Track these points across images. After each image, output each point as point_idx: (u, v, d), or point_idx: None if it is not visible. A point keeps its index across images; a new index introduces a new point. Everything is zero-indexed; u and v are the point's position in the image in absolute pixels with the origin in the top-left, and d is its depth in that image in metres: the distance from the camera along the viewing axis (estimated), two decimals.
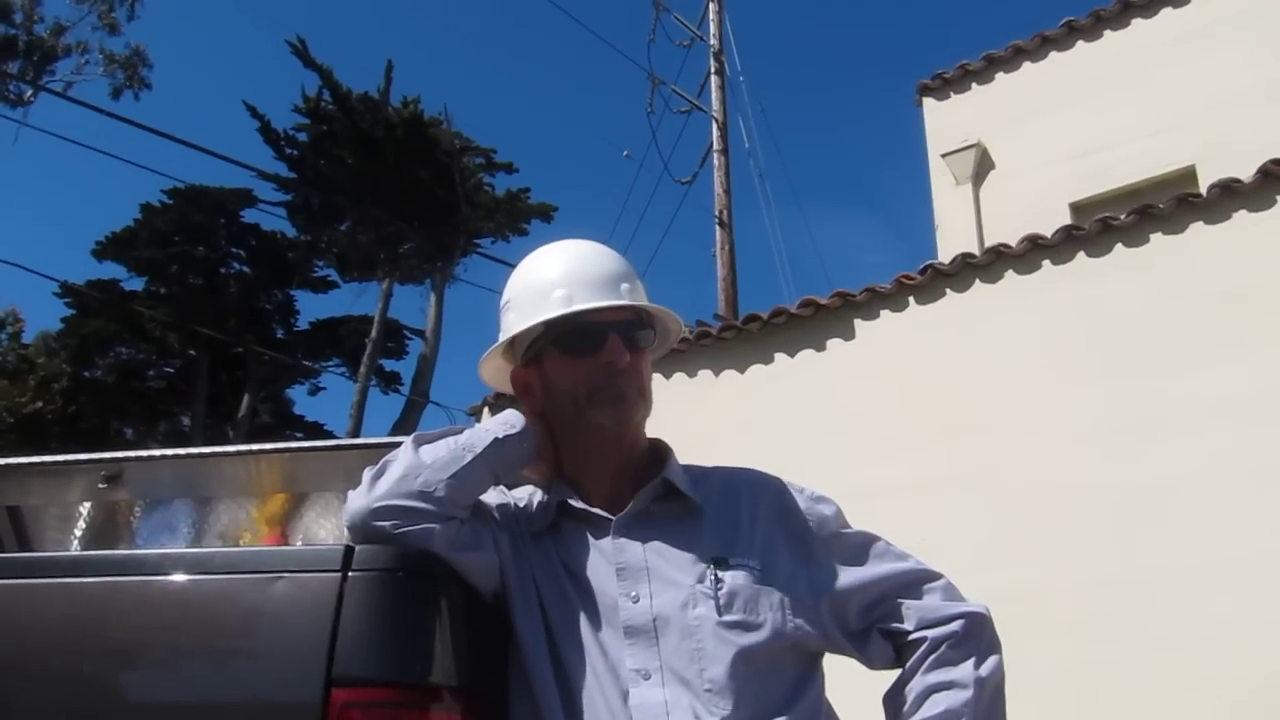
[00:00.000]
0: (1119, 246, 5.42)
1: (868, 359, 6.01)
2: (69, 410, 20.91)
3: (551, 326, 1.53)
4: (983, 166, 8.44)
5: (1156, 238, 5.33)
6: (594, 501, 1.52)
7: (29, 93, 19.52)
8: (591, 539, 1.49)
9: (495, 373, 1.66)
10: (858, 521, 1.58)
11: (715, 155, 12.57)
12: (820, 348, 6.20)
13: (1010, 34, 8.86)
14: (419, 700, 1.31)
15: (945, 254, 6.96)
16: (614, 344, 1.51)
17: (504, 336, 1.60)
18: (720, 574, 1.43)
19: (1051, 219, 6.36)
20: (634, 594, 1.43)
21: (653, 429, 1.62)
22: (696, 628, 1.39)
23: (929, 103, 9.02)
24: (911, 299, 5.98)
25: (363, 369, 20.78)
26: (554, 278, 1.56)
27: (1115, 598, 4.76)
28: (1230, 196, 5.18)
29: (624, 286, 1.56)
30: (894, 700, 1.49)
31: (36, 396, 20.54)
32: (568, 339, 1.53)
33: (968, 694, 1.42)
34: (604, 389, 1.51)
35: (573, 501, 1.52)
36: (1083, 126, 7.82)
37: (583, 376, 1.52)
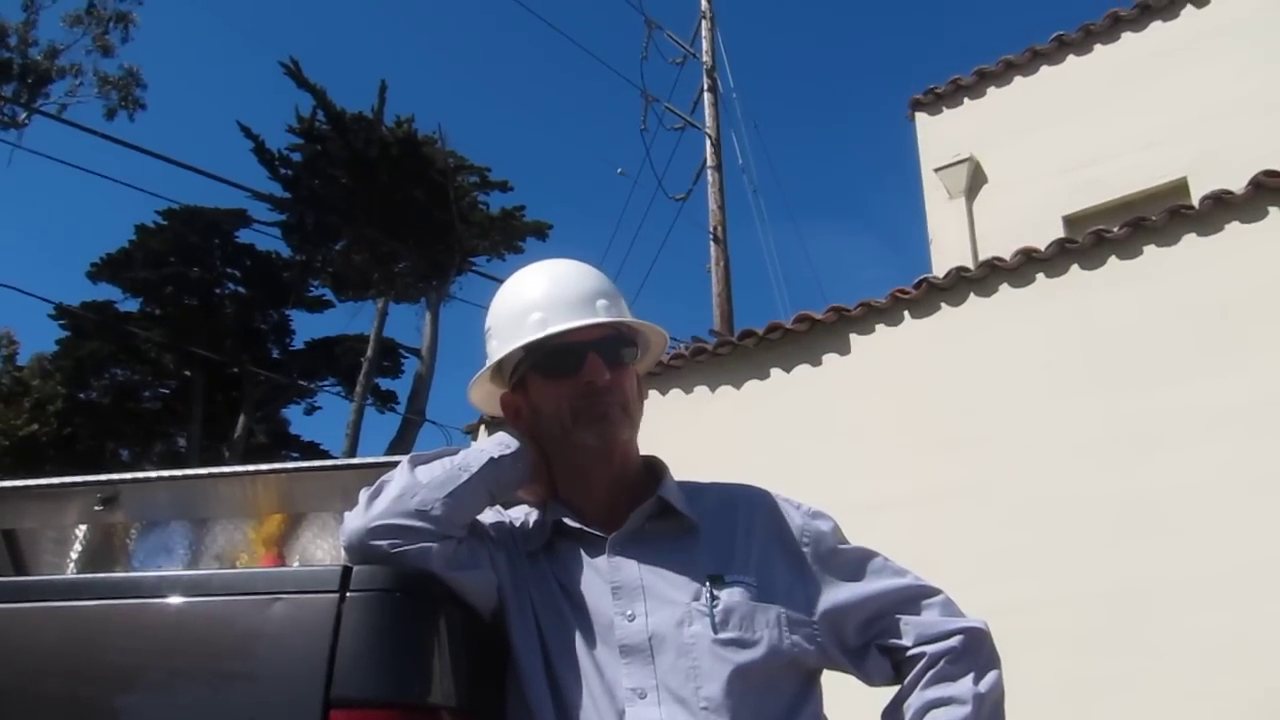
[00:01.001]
0: (1112, 259, 5.44)
1: (863, 373, 6.02)
2: (64, 432, 20.87)
3: (531, 350, 1.53)
4: (976, 180, 8.47)
5: (1149, 250, 5.36)
6: (589, 520, 1.52)
7: (23, 115, 19.51)
8: (586, 558, 1.49)
9: (485, 398, 1.67)
10: (855, 535, 1.58)
11: (709, 171, 12.61)
12: (816, 363, 6.21)
13: (1001, 48, 8.94)
14: None
15: (940, 268, 6.98)
16: (593, 363, 1.51)
17: (487, 363, 1.61)
18: (716, 591, 1.43)
19: (1045, 232, 6.39)
20: (629, 612, 1.42)
21: (649, 445, 1.62)
22: (692, 645, 1.39)
23: (921, 117, 9.06)
24: (906, 313, 6.00)
25: (358, 388, 20.76)
26: (531, 300, 1.56)
27: (1114, 610, 4.76)
28: (1222, 208, 5.20)
29: (601, 303, 1.56)
30: (893, 716, 1.48)
31: (32, 419, 20.51)
32: (547, 361, 1.53)
33: (966, 710, 1.41)
34: (587, 409, 1.51)
35: (567, 520, 1.52)
36: (1075, 140, 7.86)
37: (565, 398, 1.52)
